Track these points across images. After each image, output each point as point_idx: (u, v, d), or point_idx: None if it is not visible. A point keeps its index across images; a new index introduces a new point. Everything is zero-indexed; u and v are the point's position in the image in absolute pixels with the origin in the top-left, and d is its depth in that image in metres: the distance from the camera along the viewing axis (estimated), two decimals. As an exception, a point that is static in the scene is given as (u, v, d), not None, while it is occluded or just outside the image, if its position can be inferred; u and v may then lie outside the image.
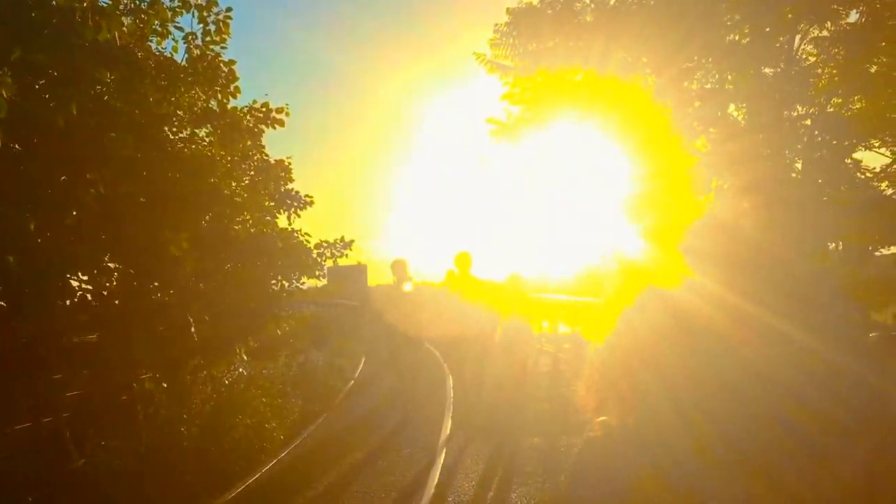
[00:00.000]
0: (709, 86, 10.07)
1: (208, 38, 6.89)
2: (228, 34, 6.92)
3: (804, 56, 9.50)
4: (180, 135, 7.47)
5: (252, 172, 9.18)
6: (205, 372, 7.44)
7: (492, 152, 11.12)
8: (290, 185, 9.58)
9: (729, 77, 9.83)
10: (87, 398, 6.27)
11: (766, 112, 9.52)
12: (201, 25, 6.83)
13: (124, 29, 5.88)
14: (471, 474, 6.21)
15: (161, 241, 5.95)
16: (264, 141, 8.76)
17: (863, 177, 9.80)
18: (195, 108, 7.12)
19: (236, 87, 7.13)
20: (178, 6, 6.65)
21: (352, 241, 9.20)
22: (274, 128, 7.88)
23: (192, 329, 6.40)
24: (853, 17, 8.66)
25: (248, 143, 8.54)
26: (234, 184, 7.99)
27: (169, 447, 5.97)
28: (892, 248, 9.52)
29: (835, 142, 9.38)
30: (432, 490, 5.65)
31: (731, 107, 10.34)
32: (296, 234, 9.35)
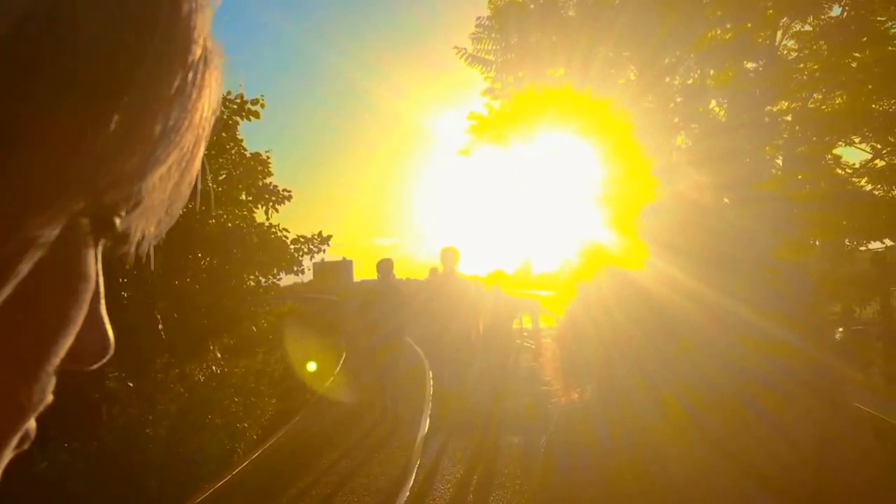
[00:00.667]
0: (690, 81, 9.82)
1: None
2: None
3: (786, 52, 9.28)
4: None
5: (229, 166, 8.82)
6: (177, 370, 7.09)
7: (479, 149, 10.79)
8: (268, 180, 9.23)
9: (711, 72, 9.58)
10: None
11: (746, 108, 9.29)
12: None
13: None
14: (447, 476, 5.93)
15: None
16: (241, 134, 8.41)
17: (843, 173, 9.60)
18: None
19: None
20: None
21: (329, 237, 8.86)
22: (249, 119, 7.52)
23: (160, 326, 6.04)
24: (836, 11, 8.43)
25: (224, 135, 8.19)
26: (208, 177, 7.61)
27: (135, 449, 5.63)
28: (873, 243, 9.32)
29: (815, 137, 9.16)
30: (406, 494, 5.35)
31: (713, 103, 10.11)
32: (274, 229, 9.00)
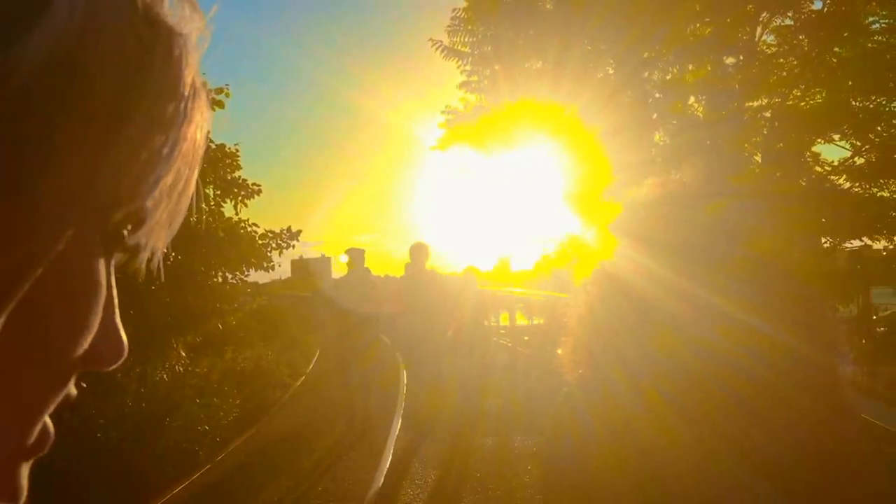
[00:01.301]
0: (669, 77, 9.56)
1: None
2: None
3: (765, 48, 9.05)
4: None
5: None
6: (138, 369, 6.66)
7: (454, 144, 10.44)
8: (237, 173, 8.80)
9: (690, 67, 9.33)
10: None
11: (725, 103, 9.05)
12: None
13: None
14: (418, 481, 5.58)
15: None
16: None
17: (821, 170, 9.40)
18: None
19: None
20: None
21: (299, 232, 8.45)
22: (213, 109, 7.07)
23: (115, 324, 5.62)
24: (817, 5, 8.20)
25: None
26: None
27: (85, 454, 5.21)
28: (853, 242, 9.12)
29: (794, 134, 8.94)
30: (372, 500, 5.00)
31: (692, 99, 9.86)
32: (243, 224, 8.58)
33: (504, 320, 14.93)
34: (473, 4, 9.35)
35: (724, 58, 9.05)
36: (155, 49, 0.31)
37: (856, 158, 8.93)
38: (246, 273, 8.43)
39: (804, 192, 9.20)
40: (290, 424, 7.67)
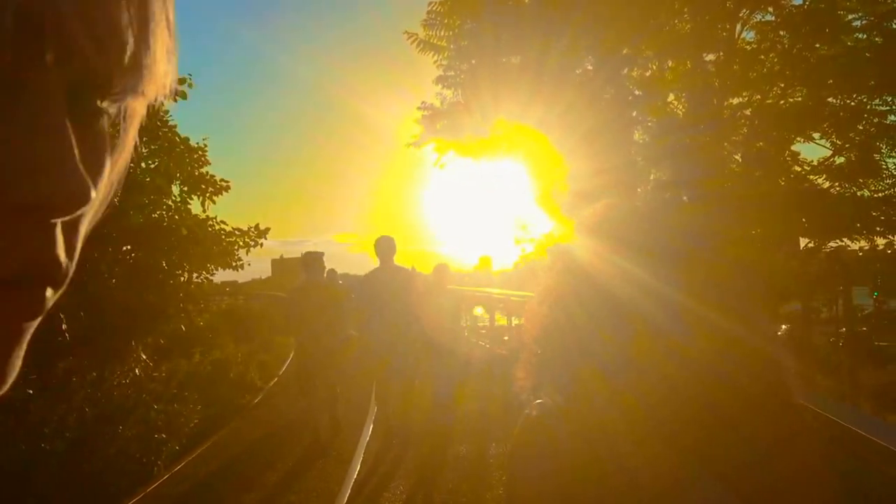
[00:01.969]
0: (648, 73, 9.27)
1: None
2: None
3: (745, 45, 8.79)
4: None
5: (161, 154, 7.94)
6: (94, 373, 6.22)
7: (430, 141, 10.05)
8: (204, 169, 8.37)
9: (669, 64, 9.05)
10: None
11: (705, 100, 8.77)
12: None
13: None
14: (387, 494, 5.22)
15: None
16: (174, 119, 7.58)
17: (801, 170, 9.16)
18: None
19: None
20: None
21: (267, 230, 8.03)
22: (175, 100, 6.65)
23: (64, 326, 5.18)
24: (797, 0, 7.93)
25: (157, 122, 7.35)
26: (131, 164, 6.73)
27: (29, 463, 4.78)
28: (835, 242, 8.88)
29: (774, 133, 8.68)
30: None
31: (671, 96, 9.58)
32: (211, 222, 8.15)
33: (482, 321, 14.62)
34: (451, -3, 9.00)
35: (704, 55, 8.77)
36: None
37: (835, 158, 8.69)
38: (213, 271, 8.00)
39: (783, 191, 8.98)
40: (258, 431, 7.26)
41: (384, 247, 6.21)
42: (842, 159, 8.54)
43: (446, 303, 6.23)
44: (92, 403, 5.80)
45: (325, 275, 7.24)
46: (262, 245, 7.92)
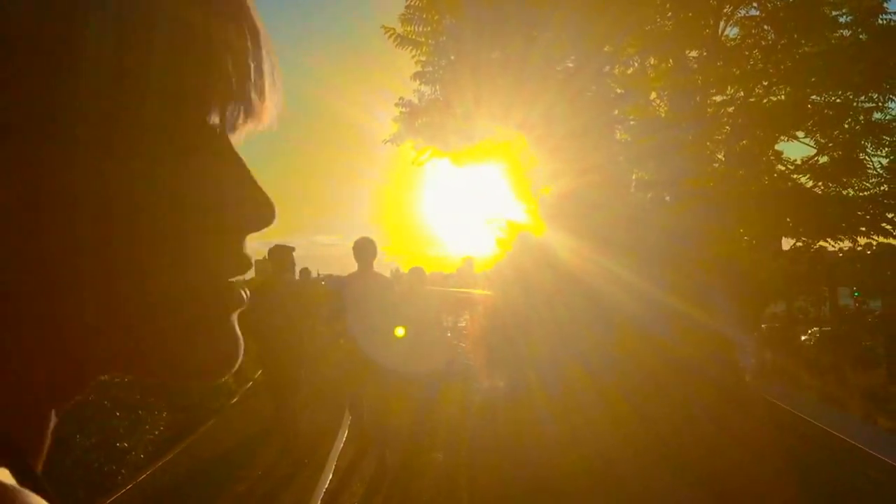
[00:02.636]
0: (630, 71, 9.05)
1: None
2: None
3: (728, 42, 8.60)
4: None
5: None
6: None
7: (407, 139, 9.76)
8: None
9: (651, 62, 8.83)
10: None
11: (688, 98, 8.56)
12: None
13: None
14: (356, 504, 4.94)
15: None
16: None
17: (784, 169, 8.99)
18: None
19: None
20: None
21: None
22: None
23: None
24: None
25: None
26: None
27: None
28: (824, 242, 8.71)
29: (758, 131, 8.49)
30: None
31: (653, 95, 9.37)
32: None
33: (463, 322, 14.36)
34: (430, -8, 8.73)
35: (687, 52, 8.57)
36: None
37: (819, 157, 8.52)
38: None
39: (766, 191, 8.80)
40: (229, 439, 6.94)
41: (364, 249, 5.82)
42: (826, 158, 8.37)
43: (424, 305, 5.93)
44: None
45: (297, 273, 6.92)
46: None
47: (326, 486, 5.17)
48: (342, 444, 6.20)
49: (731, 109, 8.56)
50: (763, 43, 7.97)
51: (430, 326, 6.30)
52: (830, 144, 8.13)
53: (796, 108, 8.01)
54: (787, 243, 9.12)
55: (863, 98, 7.69)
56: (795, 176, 8.94)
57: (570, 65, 9.13)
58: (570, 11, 8.47)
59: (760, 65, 8.14)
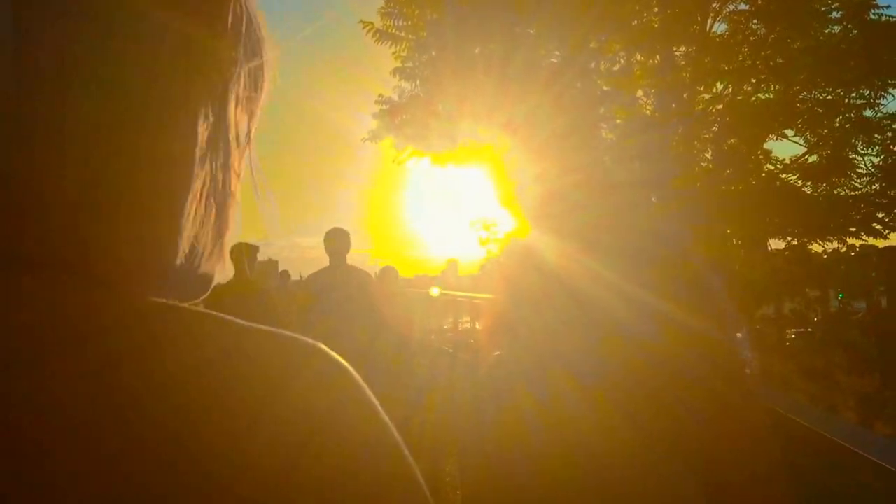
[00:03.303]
0: (616, 67, 8.79)
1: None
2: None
3: (717, 39, 8.35)
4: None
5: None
6: None
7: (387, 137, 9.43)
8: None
9: (638, 58, 8.57)
10: None
11: (675, 96, 8.31)
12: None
13: None
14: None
15: None
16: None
17: (773, 168, 8.75)
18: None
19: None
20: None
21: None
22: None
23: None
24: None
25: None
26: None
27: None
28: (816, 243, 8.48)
29: (746, 130, 8.24)
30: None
31: (640, 92, 9.11)
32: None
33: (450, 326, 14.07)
34: (411, -15, 8.41)
35: (675, 48, 8.31)
36: None
37: (808, 156, 8.28)
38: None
39: (754, 190, 8.56)
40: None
41: (336, 241, 5.09)
42: (815, 157, 8.14)
43: (393, 312, 5.37)
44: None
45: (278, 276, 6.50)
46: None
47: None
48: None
49: (719, 107, 8.31)
50: (752, 38, 7.72)
51: (403, 337, 5.78)
52: (820, 143, 7.89)
53: (785, 105, 7.77)
54: (774, 244, 8.87)
55: (854, 95, 7.46)
56: (784, 175, 8.71)
57: (555, 61, 8.85)
58: (555, 6, 8.20)
59: (749, 61, 7.89)
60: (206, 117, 0.44)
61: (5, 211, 0.37)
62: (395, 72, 8.32)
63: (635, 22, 8.54)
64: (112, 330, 0.38)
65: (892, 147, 7.55)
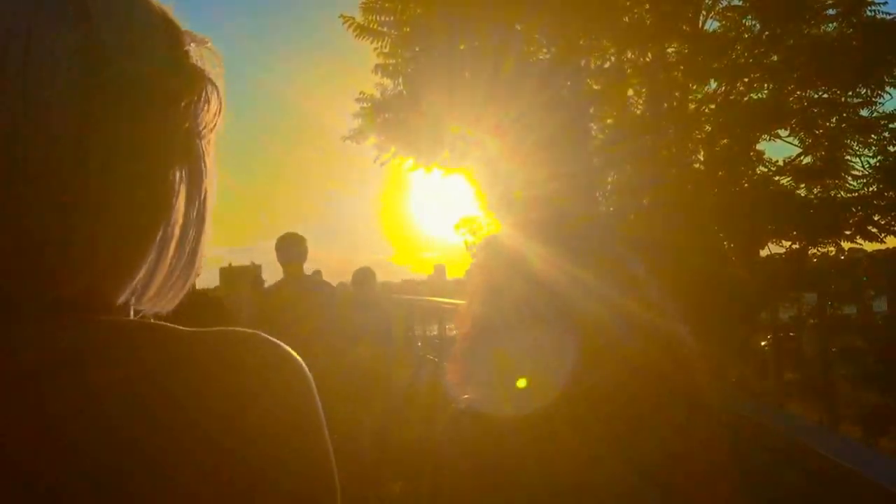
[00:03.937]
0: (607, 65, 8.49)
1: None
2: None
3: (710, 35, 8.08)
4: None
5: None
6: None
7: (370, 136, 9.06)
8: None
9: (629, 56, 8.28)
10: None
11: (667, 95, 8.02)
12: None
13: None
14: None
15: None
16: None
17: (766, 170, 8.47)
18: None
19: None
20: None
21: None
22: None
23: None
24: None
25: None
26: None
27: None
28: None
29: (739, 130, 7.96)
30: None
31: (630, 92, 8.81)
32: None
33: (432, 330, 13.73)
34: (394, -21, 8.06)
35: (666, 46, 8.03)
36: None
37: (802, 158, 8.01)
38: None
39: (747, 193, 8.30)
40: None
41: (289, 249, 4.34)
42: (809, 158, 7.87)
43: (372, 319, 4.91)
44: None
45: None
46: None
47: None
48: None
49: (711, 107, 8.03)
50: (746, 36, 7.45)
51: (383, 346, 5.28)
52: (815, 144, 7.62)
53: (780, 104, 7.50)
54: (771, 248, 8.59)
55: (850, 94, 7.19)
56: (777, 178, 8.44)
57: (544, 58, 8.55)
58: (543, 1, 7.89)
59: (742, 59, 7.62)
60: (179, 166, 0.51)
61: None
62: (376, 68, 7.98)
63: (626, 19, 8.26)
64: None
65: (888, 148, 7.29)
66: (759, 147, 8.23)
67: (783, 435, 3.02)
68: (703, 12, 7.81)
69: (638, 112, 8.87)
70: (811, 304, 8.47)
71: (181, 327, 0.49)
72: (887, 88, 7.10)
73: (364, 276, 4.91)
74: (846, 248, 8.97)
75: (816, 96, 7.40)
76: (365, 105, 8.28)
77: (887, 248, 8.32)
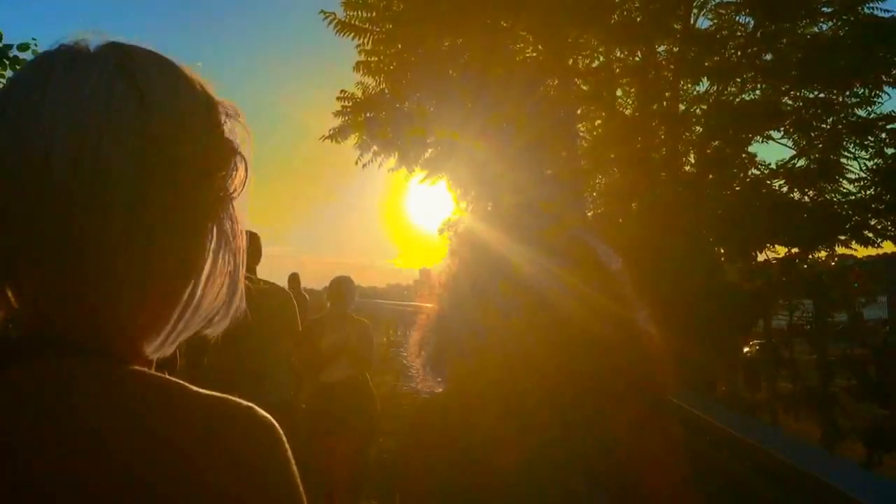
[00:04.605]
0: (596, 64, 8.21)
1: None
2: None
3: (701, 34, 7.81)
4: None
5: None
6: None
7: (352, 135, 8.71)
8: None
9: (618, 54, 7.99)
10: None
11: (657, 95, 7.74)
12: None
13: None
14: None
15: None
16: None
17: (759, 173, 8.19)
18: None
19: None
20: None
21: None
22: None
23: None
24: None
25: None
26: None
27: None
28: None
29: (731, 131, 7.68)
30: None
31: (619, 92, 8.52)
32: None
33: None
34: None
35: (657, 45, 7.75)
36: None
37: (796, 160, 7.72)
38: None
39: (739, 197, 8.02)
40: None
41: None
42: (804, 161, 7.59)
43: (352, 334, 4.30)
44: None
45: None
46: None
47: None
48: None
49: (703, 107, 7.75)
50: (739, 33, 7.18)
51: (360, 364, 4.70)
52: (809, 146, 7.35)
53: (773, 104, 7.23)
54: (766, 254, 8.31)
55: (847, 94, 6.92)
56: (770, 181, 8.16)
57: (531, 56, 8.26)
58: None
59: (735, 58, 7.35)
60: (211, 230, 0.57)
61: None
62: (357, 66, 7.65)
63: (616, 17, 7.97)
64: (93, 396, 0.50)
65: (886, 149, 7.02)
66: (751, 149, 7.96)
67: (786, 462, 2.68)
68: (695, 10, 7.55)
69: (627, 113, 8.60)
70: (805, 311, 8.17)
71: (190, 387, 0.54)
72: (885, 88, 6.84)
73: (340, 288, 4.32)
74: (836, 254, 8.73)
75: (811, 96, 7.14)
76: (346, 104, 7.95)
77: (885, 253, 8.04)
